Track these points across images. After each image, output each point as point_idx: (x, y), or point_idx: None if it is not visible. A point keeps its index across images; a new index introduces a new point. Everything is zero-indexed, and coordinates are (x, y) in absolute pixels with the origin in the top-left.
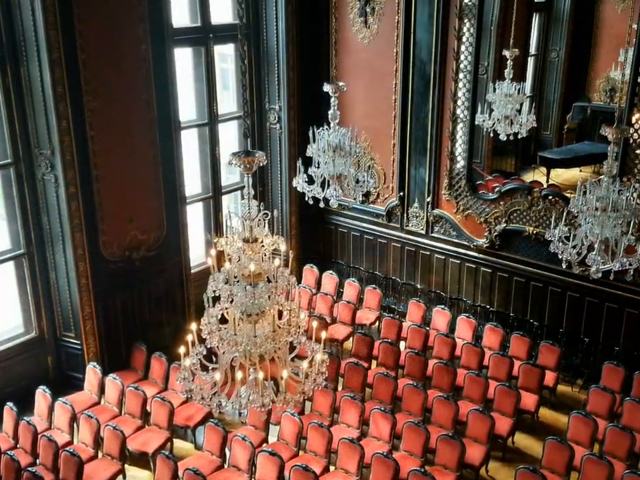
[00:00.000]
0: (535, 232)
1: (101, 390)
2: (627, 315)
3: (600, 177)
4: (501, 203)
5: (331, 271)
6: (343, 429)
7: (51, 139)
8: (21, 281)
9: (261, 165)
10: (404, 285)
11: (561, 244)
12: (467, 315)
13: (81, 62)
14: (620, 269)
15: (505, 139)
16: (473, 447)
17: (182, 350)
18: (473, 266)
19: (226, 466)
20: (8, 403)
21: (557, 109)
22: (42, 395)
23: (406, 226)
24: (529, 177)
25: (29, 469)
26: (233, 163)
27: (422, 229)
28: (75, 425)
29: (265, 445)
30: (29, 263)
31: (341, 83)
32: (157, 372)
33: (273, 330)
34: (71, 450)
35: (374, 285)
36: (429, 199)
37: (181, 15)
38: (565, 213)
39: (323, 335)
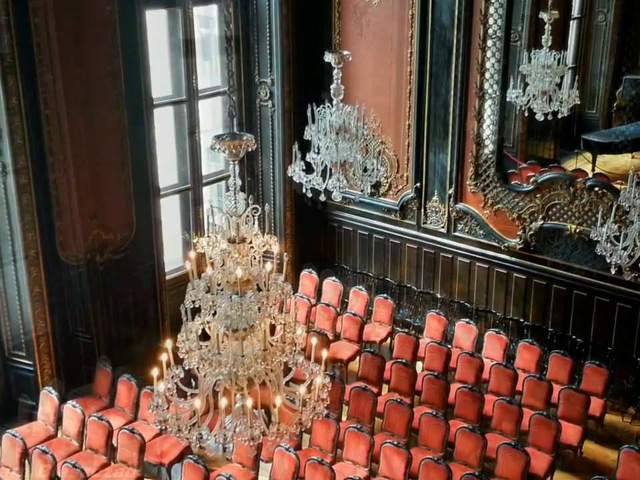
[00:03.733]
0: (578, 230)
1: (58, 420)
2: None
3: None
4: (538, 195)
5: (333, 277)
6: (347, 466)
7: None
8: None
9: (250, 150)
10: (421, 293)
11: (609, 245)
12: (496, 330)
13: (34, 26)
14: None
15: (543, 119)
16: None
17: (155, 372)
18: (504, 271)
19: None
20: None
21: (605, 83)
22: None
23: (423, 223)
24: (570, 165)
25: None
26: (216, 148)
27: (443, 227)
28: (26, 461)
29: None
30: None
31: (345, 52)
32: (124, 398)
33: (264, 348)
34: None
35: (385, 294)
36: (451, 191)
37: None
38: (614, 208)
39: (324, 354)
